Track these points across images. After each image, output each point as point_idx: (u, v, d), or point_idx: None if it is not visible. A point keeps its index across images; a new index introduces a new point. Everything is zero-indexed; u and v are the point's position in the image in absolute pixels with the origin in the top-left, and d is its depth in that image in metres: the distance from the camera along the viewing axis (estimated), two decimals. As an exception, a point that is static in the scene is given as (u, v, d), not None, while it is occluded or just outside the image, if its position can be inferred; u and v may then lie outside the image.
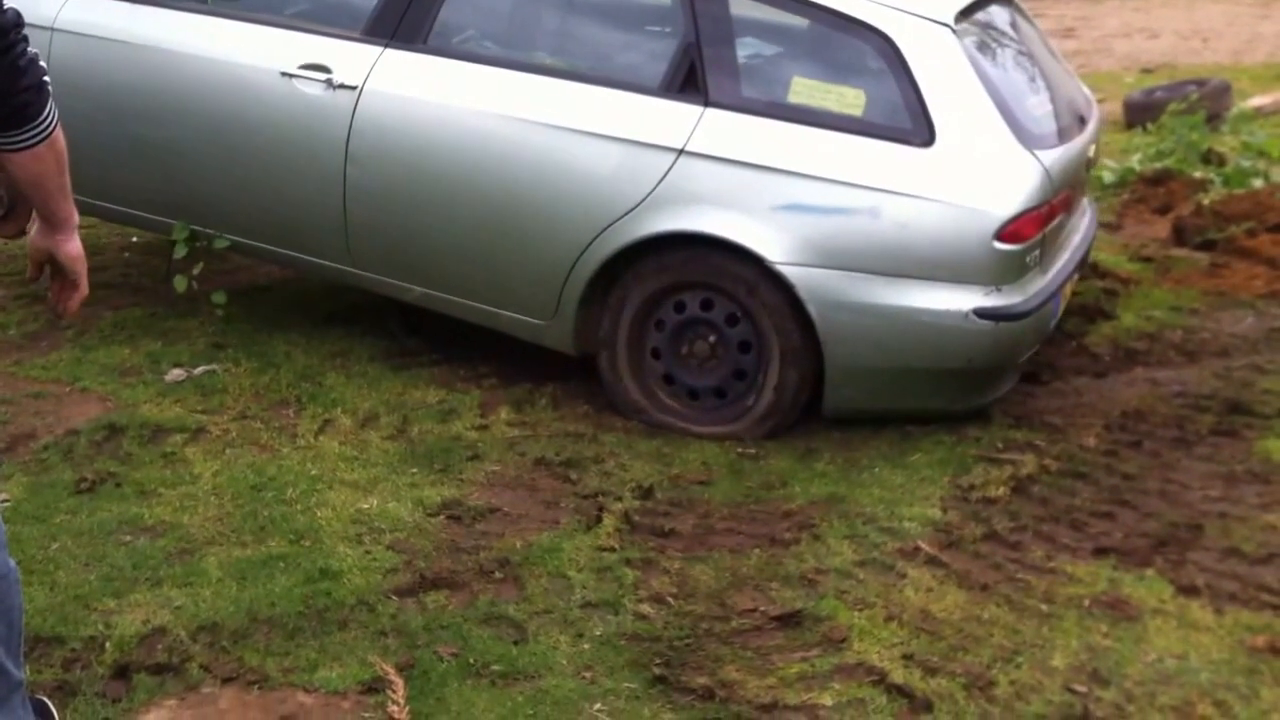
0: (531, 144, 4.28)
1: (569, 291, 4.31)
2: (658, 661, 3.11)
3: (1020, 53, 4.65)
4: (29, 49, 2.29)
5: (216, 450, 4.12)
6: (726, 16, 4.20)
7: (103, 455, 4.06)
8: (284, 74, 4.48)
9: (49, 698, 2.91)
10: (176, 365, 4.71)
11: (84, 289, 2.64)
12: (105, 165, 4.88)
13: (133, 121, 4.77)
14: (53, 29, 4.78)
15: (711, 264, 4.18)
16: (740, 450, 4.19)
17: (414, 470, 4.04)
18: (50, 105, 2.34)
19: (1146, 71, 10.79)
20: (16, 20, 2.26)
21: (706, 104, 4.15)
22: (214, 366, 4.71)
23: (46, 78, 2.32)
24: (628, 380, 4.39)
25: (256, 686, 3.00)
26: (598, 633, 3.22)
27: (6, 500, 3.77)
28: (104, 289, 5.48)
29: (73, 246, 2.58)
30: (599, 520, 3.74)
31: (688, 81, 4.19)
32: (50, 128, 2.36)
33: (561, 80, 4.32)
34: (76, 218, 2.57)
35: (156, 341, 4.91)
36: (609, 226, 4.20)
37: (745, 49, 4.25)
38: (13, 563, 2.56)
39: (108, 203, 4.98)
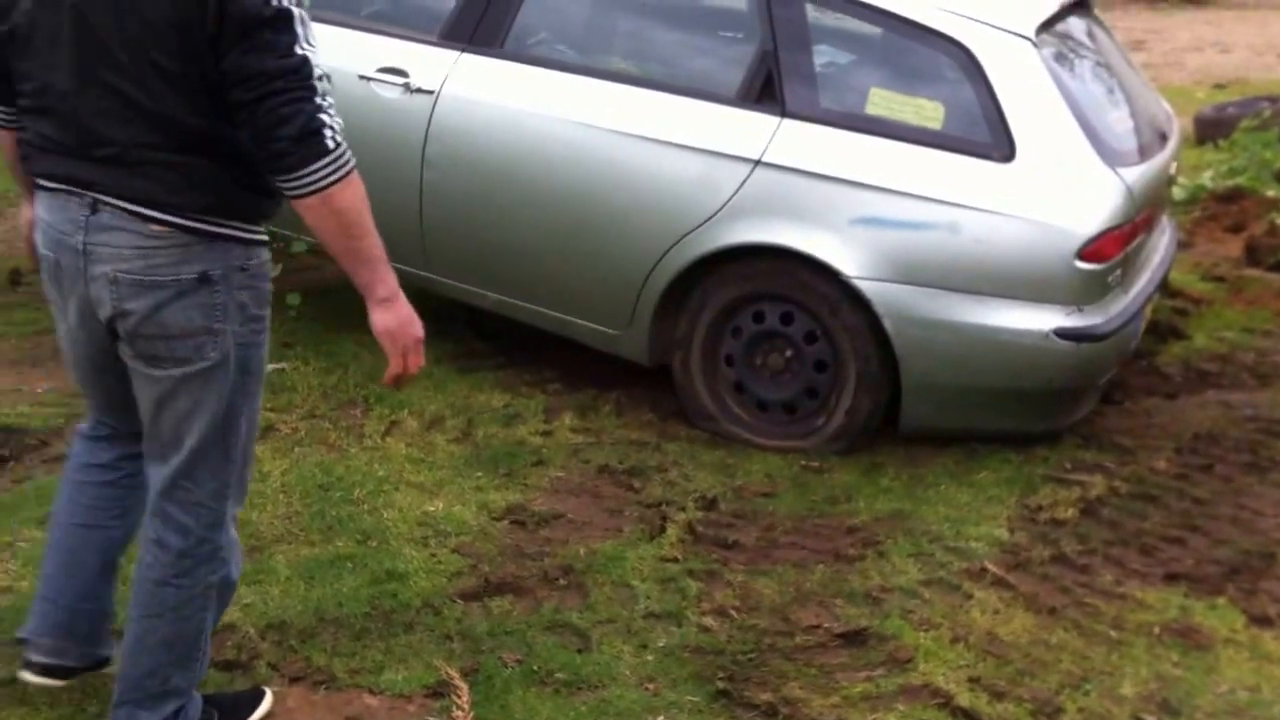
0: (607, 151, 4.29)
1: (644, 300, 4.31)
2: (721, 675, 3.10)
3: (1100, 66, 4.61)
4: (309, 103, 2.27)
5: (285, 448, 4.16)
6: (804, 24, 4.19)
7: (173, 451, 4.10)
8: (362, 77, 4.51)
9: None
10: (246, 362, 4.75)
11: (396, 365, 2.54)
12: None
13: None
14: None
15: (792, 277, 4.16)
16: (804, 463, 4.18)
17: (479, 474, 4.06)
18: (324, 164, 2.30)
19: (1218, 87, 10.66)
20: (296, 68, 2.27)
21: (783, 114, 4.14)
22: (283, 365, 4.75)
23: (327, 136, 2.29)
24: (699, 384, 4.38)
25: (323, 686, 3.02)
26: (661, 644, 3.22)
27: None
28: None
29: (377, 319, 2.48)
30: (662, 530, 3.74)
31: (764, 91, 4.18)
32: (317, 184, 2.31)
33: (638, 88, 4.32)
34: (387, 291, 2.44)
35: (227, 339, 4.95)
36: (685, 236, 4.20)
37: (820, 57, 4.23)
38: None
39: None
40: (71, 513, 2.80)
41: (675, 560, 3.59)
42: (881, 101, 4.08)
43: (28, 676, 2.86)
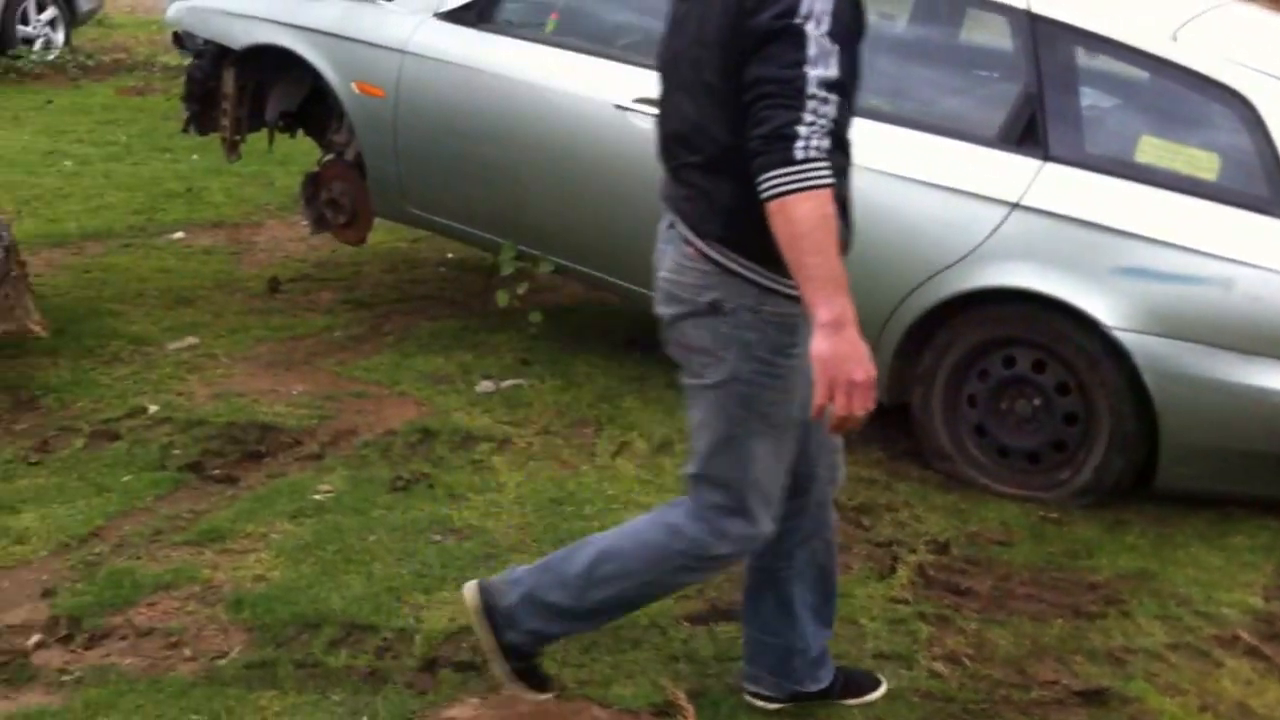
0: (858, 188, 4.24)
1: (886, 338, 4.25)
2: (951, 722, 3.04)
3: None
4: (790, 112, 2.33)
5: (520, 461, 4.25)
6: (1072, 66, 4.10)
7: (417, 457, 4.24)
8: (618, 106, 4.59)
9: (362, 682, 3.06)
10: (486, 377, 4.88)
11: (820, 396, 2.41)
12: (444, 183, 5.12)
13: (473, 143, 4.97)
14: (404, 53, 5.04)
15: (1047, 324, 4.06)
16: (1043, 514, 4.06)
17: (707, 501, 4.06)
18: (787, 171, 2.34)
19: None
20: (790, 80, 2.34)
21: (1046, 158, 4.05)
22: (521, 381, 4.85)
23: (798, 146, 2.33)
24: (938, 423, 4.29)
25: (554, 695, 3.06)
26: (889, 685, 3.16)
27: (330, 491, 3.98)
28: (422, 300, 5.75)
29: (814, 343, 2.40)
30: (893, 570, 3.68)
31: (1026, 133, 4.10)
32: (777, 189, 2.35)
33: (892, 125, 4.28)
34: (829, 316, 2.37)
35: (468, 353, 5.10)
36: (934, 275, 4.13)
37: (1084, 99, 4.13)
38: None
39: (443, 218, 5.20)
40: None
41: (905, 602, 3.53)
42: (1151, 149, 3.96)
43: (746, 694, 3.05)
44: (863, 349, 2.41)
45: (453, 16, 5.04)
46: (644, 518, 2.89)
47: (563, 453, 4.34)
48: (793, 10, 2.35)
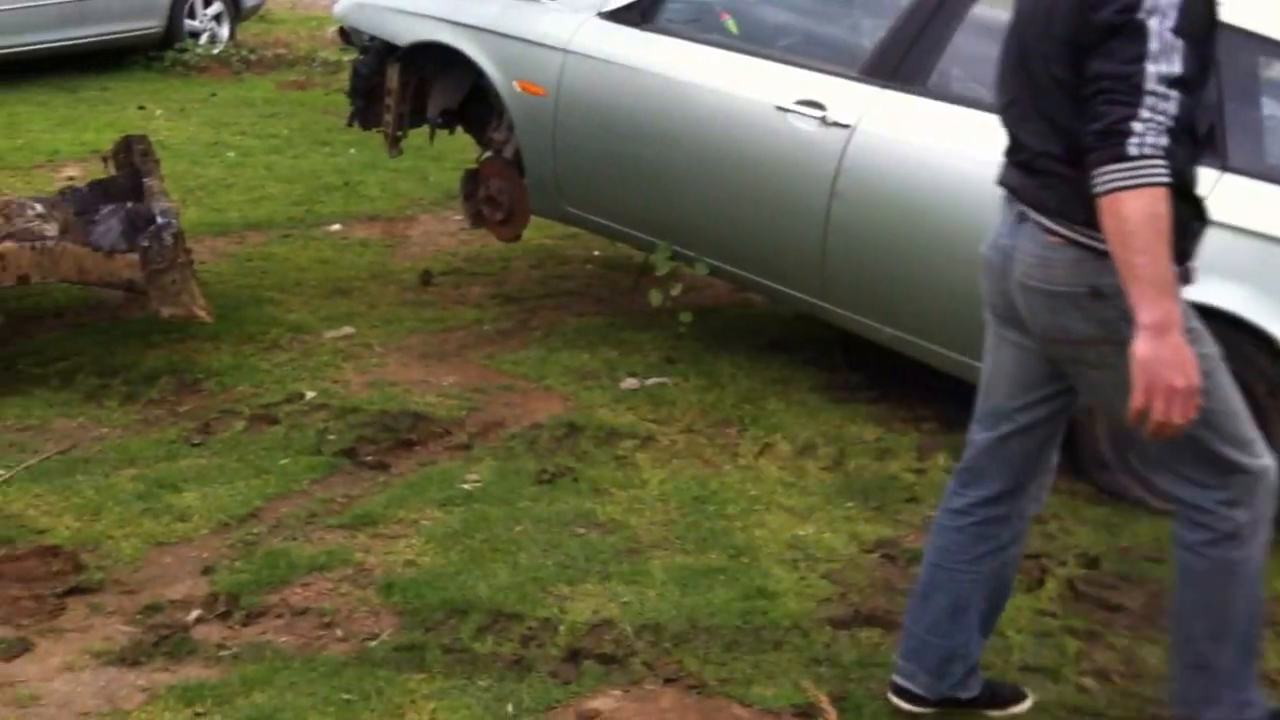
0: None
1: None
2: (1098, 739, 2.99)
3: None
4: (1126, 107, 2.33)
5: (664, 459, 4.28)
6: (1255, 76, 3.98)
7: (562, 450, 4.30)
8: (779, 108, 4.58)
9: (507, 669, 3.12)
10: (631, 374, 4.92)
11: (1138, 399, 2.39)
12: (602, 182, 5.17)
13: (632, 143, 5.00)
14: (566, 52, 5.11)
15: (1222, 341, 3.95)
16: (1196, 531, 3.97)
17: (849, 504, 4.06)
18: (1118, 167, 2.34)
19: None
20: (1128, 76, 2.34)
21: (1224, 168, 3.93)
22: (665, 379, 4.89)
23: (1131, 143, 2.32)
24: (1099, 430, 4.19)
25: (695, 691, 3.09)
26: (1036, 698, 3.12)
27: (477, 481, 4.06)
28: (569, 296, 5.82)
29: (1136, 345, 2.37)
30: (1041, 583, 3.64)
31: (1204, 142, 3.98)
32: (1108, 185, 2.35)
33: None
34: (1153, 318, 2.34)
35: (614, 350, 5.15)
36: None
37: (1264, 109, 4.01)
38: None
39: (599, 217, 5.25)
40: (930, 549, 2.99)
41: (1054, 616, 3.48)
42: None
43: (889, 693, 3.04)
44: (1186, 355, 2.37)
45: (615, 16, 5.08)
46: (1178, 580, 2.78)
47: (706, 451, 4.36)
48: (1135, 5, 2.34)
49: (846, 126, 4.45)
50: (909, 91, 4.42)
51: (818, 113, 4.51)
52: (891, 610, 3.46)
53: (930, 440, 4.53)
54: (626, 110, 4.99)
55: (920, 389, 4.78)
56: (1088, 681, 3.20)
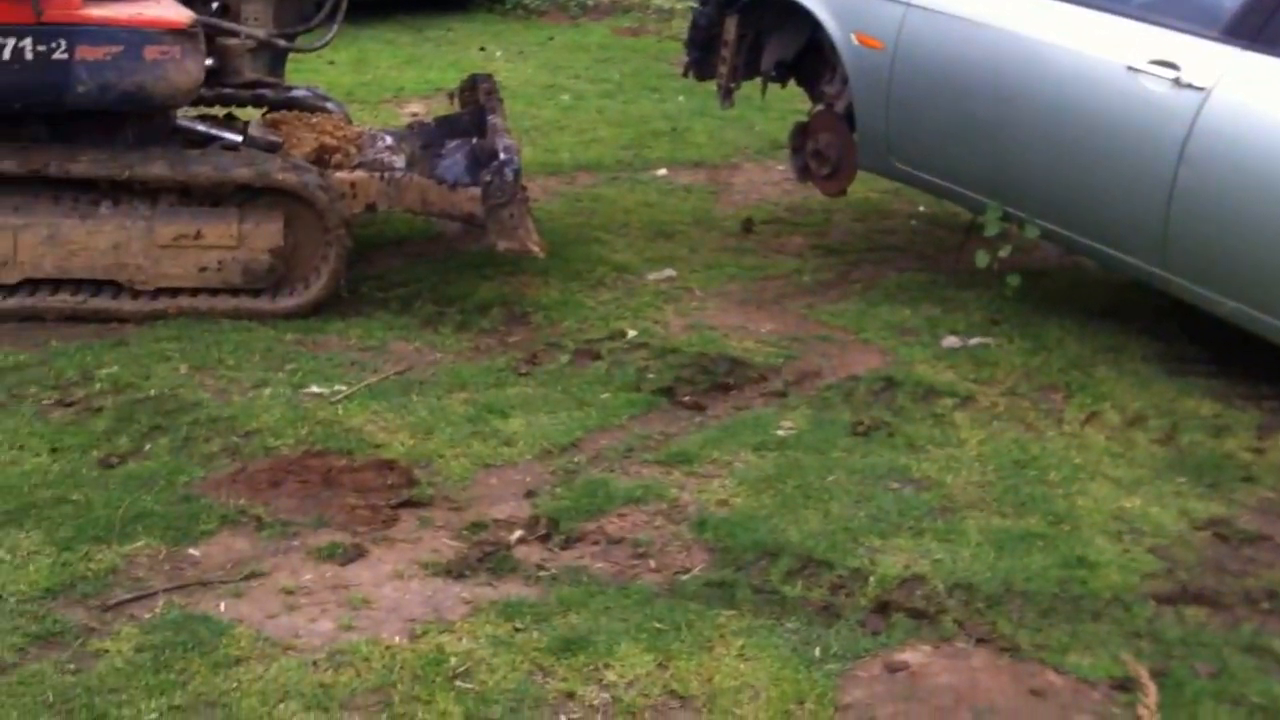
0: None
1: None
2: None
3: None
4: None
5: (983, 420, 4.19)
6: None
7: (878, 404, 4.26)
8: (1129, 68, 4.38)
9: (816, 614, 3.12)
10: (952, 333, 4.83)
11: None
12: (934, 139, 5.07)
13: (968, 99, 4.88)
14: (907, 4, 5.02)
15: None
16: None
17: (1180, 479, 3.88)
18: None
19: None
20: None
21: None
22: (988, 340, 4.78)
23: None
24: None
25: (1008, 654, 3.03)
26: (1378, 695, 2.93)
27: (791, 428, 4.07)
28: (891, 251, 5.75)
29: None
30: None
31: None
32: None
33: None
34: None
35: (936, 307, 5.06)
36: None
37: None
38: None
39: (928, 174, 5.16)
40: None
41: None
42: None
43: None
44: None
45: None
46: None
47: (1028, 415, 4.24)
48: None
49: (1201, 89, 4.21)
50: (1275, 54, 4.14)
51: (1171, 73, 4.28)
52: (1221, 590, 3.31)
53: (1272, 419, 4.28)
54: (966, 65, 4.86)
55: (1263, 365, 4.51)
56: None
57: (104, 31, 4.44)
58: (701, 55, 5.92)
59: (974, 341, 4.76)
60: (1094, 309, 5.09)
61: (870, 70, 5.14)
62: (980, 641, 3.07)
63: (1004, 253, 4.95)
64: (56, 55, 4.41)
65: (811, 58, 5.66)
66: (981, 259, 5.01)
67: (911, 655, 3.01)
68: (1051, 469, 3.89)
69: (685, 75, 6.13)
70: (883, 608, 3.17)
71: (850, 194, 5.93)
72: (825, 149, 5.49)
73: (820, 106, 5.58)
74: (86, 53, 4.43)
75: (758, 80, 5.92)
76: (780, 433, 4.04)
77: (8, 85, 4.43)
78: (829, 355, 4.65)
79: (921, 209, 6.28)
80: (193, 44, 4.55)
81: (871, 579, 3.28)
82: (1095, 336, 4.83)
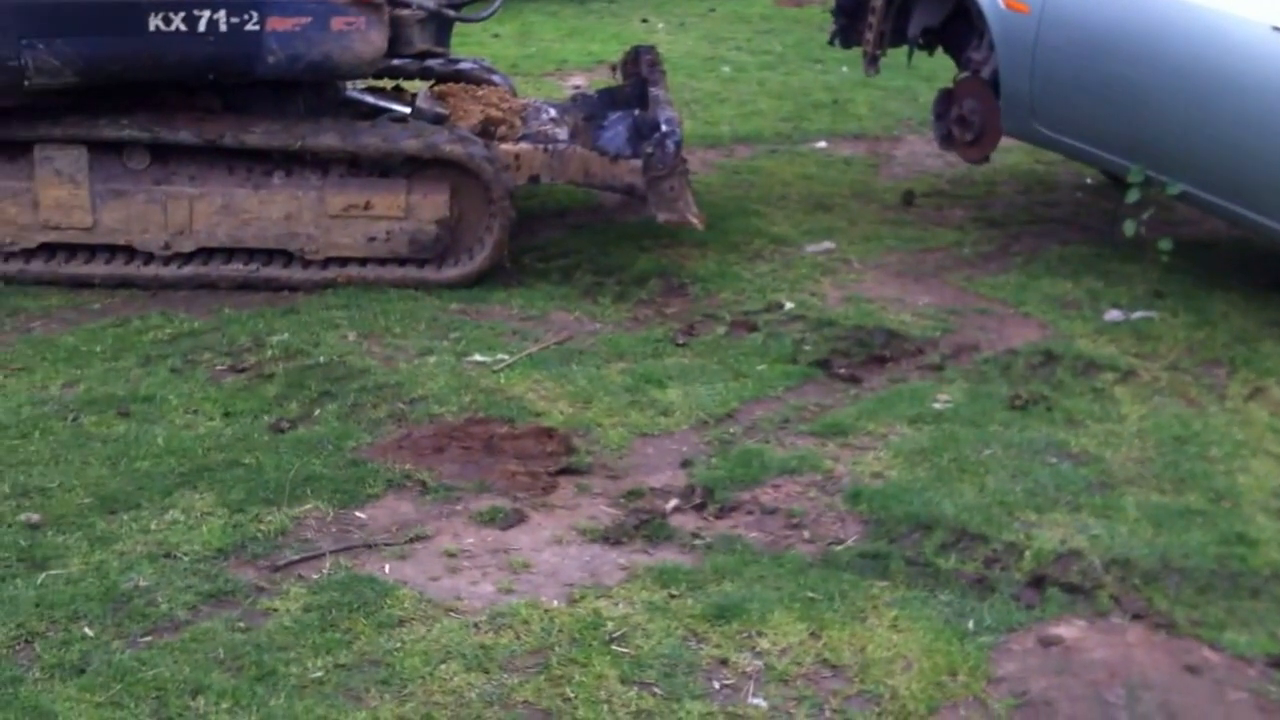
0: None
1: None
2: None
3: None
4: None
5: (1144, 395, 4.14)
6: None
7: (1036, 378, 4.24)
8: (1276, 28, 4.29)
9: (970, 587, 3.14)
10: (1115, 306, 4.77)
11: None
12: (1078, 103, 5.02)
13: (1112, 62, 4.83)
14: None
15: None
16: None
17: (1351, 460, 3.79)
18: None
19: None
20: None
21: None
22: (1151, 313, 4.70)
23: None
24: None
25: (1164, 630, 3.01)
26: None
27: (948, 401, 4.07)
28: (1054, 223, 5.68)
29: None
30: None
31: None
32: None
33: None
34: None
35: (1098, 280, 4.99)
36: None
37: None
38: None
39: (1072, 139, 5.11)
40: None
41: None
42: None
43: None
44: None
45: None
46: None
47: (1190, 390, 4.18)
48: None
49: None
50: None
51: None
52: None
53: None
54: (1109, 28, 4.82)
55: None
56: None
57: (293, 4, 4.63)
58: (849, 22, 5.92)
59: (1137, 315, 4.69)
60: (1260, 282, 4.97)
61: (1016, 34, 5.11)
62: (1136, 617, 3.05)
63: (1146, 216, 4.87)
64: (249, 27, 4.60)
65: (958, 23, 5.62)
66: (1129, 228, 4.95)
67: (1066, 629, 3.01)
68: (1213, 445, 3.84)
69: (831, 43, 6.13)
70: (1037, 582, 3.17)
71: (1015, 165, 5.88)
72: (969, 115, 5.46)
73: (966, 73, 5.54)
74: (277, 24, 4.62)
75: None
76: (936, 406, 4.05)
77: (202, 57, 4.63)
78: (987, 328, 4.63)
79: (1088, 180, 6.19)
80: (376, 15, 4.71)
81: (1027, 553, 3.28)
82: (1261, 310, 4.72)
